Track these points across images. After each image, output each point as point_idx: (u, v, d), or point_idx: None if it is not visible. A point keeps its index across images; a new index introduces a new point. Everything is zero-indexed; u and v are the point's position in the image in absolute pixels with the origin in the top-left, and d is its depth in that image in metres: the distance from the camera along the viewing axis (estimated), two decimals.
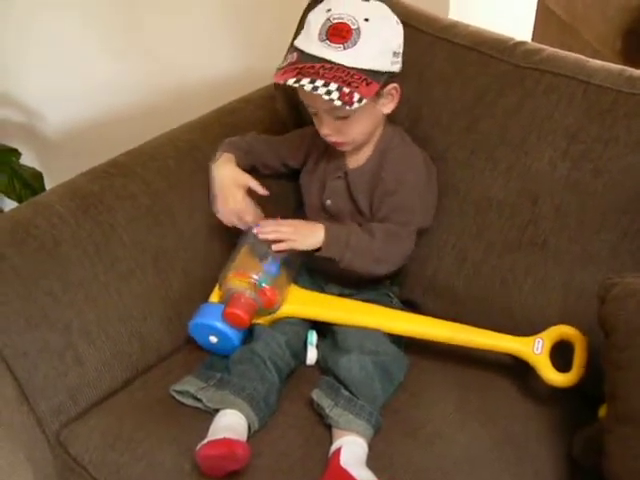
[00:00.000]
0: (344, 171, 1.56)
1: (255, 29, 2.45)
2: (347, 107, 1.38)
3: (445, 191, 1.59)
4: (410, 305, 1.63)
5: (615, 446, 1.15)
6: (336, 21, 1.40)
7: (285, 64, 1.43)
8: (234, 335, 1.47)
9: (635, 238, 1.43)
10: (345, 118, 1.44)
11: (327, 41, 1.39)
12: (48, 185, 2.16)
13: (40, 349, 1.43)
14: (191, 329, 1.51)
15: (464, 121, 1.59)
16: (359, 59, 1.39)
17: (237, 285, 1.47)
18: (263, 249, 1.49)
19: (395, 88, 1.48)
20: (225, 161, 1.59)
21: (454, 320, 1.49)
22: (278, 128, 1.70)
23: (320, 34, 1.40)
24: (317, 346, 1.52)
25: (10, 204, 2.18)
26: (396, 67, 1.46)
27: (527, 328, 1.46)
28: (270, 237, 1.48)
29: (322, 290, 1.58)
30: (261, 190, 1.58)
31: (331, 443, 1.35)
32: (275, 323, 1.51)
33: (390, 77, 1.45)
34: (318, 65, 1.40)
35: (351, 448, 1.32)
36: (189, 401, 1.42)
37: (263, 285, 1.46)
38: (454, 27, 1.67)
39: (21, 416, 1.43)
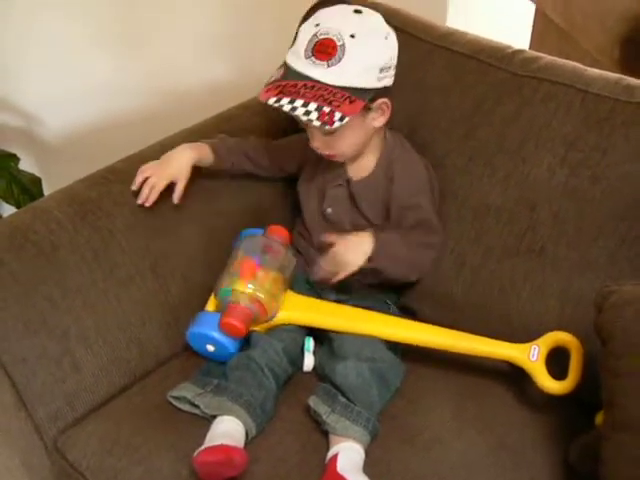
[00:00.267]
0: (345, 179, 1.57)
1: (254, 35, 2.45)
2: (327, 127, 1.39)
3: (444, 197, 1.60)
4: (407, 312, 1.63)
5: (612, 453, 1.15)
6: (322, 37, 1.40)
7: (271, 80, 1.44)
8: (231, 344, 1.47)
9: (633, 245, 1.43)
10: (332, 133, 1.44)
11: (312, 57, 1.40)
12: (46, 190, 2.16)
13: (38, 355, 1.43)
14: (188, 338, 1.51)
15: (462, 128, 1.60)
16: (343, 77, 1.39)
17: (232, 294, 1.47)
18: (257, 256, 1.50)
19: (385, 103, 1.48)
20: (193, 148, 1.60)
21: (451, 327, 1.49)
22: (276, 135, 1.70)
23: (306, 50, 1.40)
24: (314, 353, 1.52)
25: (9, 209, 2.18)
26: (384, 82, 1.45)
27: (525, 335, 1.46)
28: (337, 279, 1.48)
29: (319, 297, 1.58)
30: (176, 197, 1.56)
31: (328, 449, 1.35)
32: (272, 330, 1.51)
33: (379, 92, 1.45)
34: (301, 83, 1.40)
35: (348, 454, 1.33)
36: (186, 407, 1.42)
37: (258, 294, 1.46)
38: (452, 35, 1.68)
39: (19, 422, 1.43)
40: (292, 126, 1.59)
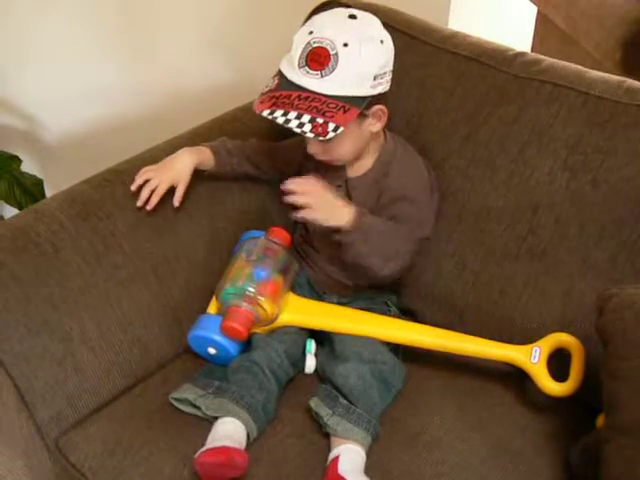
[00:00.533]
0: (344, 180, 1.57)
1: (255, 38, 2.45)
2: (320, 138, 1.39)
3: (444, 199, 1.60)
4: (408, 314, 1.63)
5: (612, 456, 1.15)
6: (316, 45, 1.39)
7: (266, 90, 1.43)
8: (232, 347, 1.48)
9: (634, 248, 1.43)
10: (329, 141, 1.43)
11: (306, 67, 1.39)
12: (48, 192, 2.16)
13: (40, 356, 1.43)
14: (190, 341, 1.52)
15: (464, 130, 1.60)
16: (336, 87, 1.39)
17: (234, 297, 1.47)
18: (258, 260, 1.50)
19: (381, 110, 1.47)
20: (194, 152, 1.60)
21: (452, 329, 1.49)
22: (277, 136, 1.70)
23: (300, 59, 1.40)
24: (315, 354, 1.53)
25: (10, 211, 2.18)
26: (379, 89, 1.44)
27: (526, 338, 1.46)
28: (299, 201, 1.44)
29: (320, 299, 1.59)
30: (176, 200, 1.57)
31: (329, 451, 1.36)
32: (273, 332, 1.51)
33: (374, 99, 1.44)
34: (294, 94, 1.40)
35: (349, 456, 1.33)
36: (188, 409, 1.42)
37: (259, 297, 1.46)
38: (454, 37, 1.68)
39: (20, 423, 1.43)
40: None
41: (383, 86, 1.45)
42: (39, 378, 1.42)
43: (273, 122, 1.41)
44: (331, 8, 1.56)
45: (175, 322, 1.59)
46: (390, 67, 1.46)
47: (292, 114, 1.39)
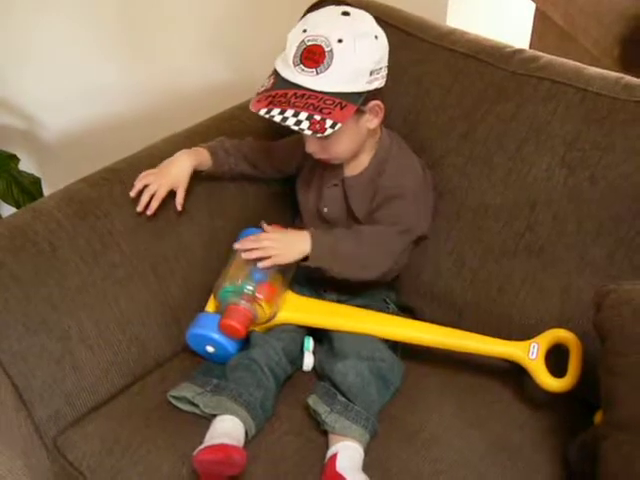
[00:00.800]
0: (341, 178, 1.57)
1: (253, 37, 2.45)
2: (318, 135, 1.39)
3: (442, 197, 1.60)
4: (407, 311, 1.63)
5: (610, 452, 1.15)
6: (310, 43, 1.39)
7: (262, 90, 1.43)
8: (231, 345, 1.48)
9: (632, 245, 1.43)
10: (326, 138, 1.43)
11: (301, 65, 1.39)
12: (46, 191, 2.16)
13: (38, 355, 1.43)
14: (188, 339, 1.52)
15: (462, 128, 1.60)
16: (332, 83, 1.39)
17: (232, 295, 1.47)
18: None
19: (378, 105, 1.47)
20: (192, 154, 1.60)
21: (451, 326, 1.49)
22: (274, 135, 1.70)
23: (295, 57, 1.40)
24: (314, 352, 1.53)
25: (8, 210, 2.18)
26: (375, 84, 1.44)
27: (524, 334, 1.46)
28: (253, 256, 1.48)
29: (319, 297, 1.59)
30: (178, 204, 1.57)
31: (327, 448, 1.36)
32: (272, 329, 1.51)
33: (371, 94, 1.44)
34: (291, 92, 1.40)
35: (347, 453, 1.33)
36: (186, 407, 1.42)
37: (257, 295, 1.46)
38: (452, 34, 1.68)
39: (19, 422, 1.43)
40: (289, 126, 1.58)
41: (379, 81, 1.45)
42: (37, 377, 1.43)
43: (270, 120, 1.41)
44: (325, 6, 1.56)
45: (173, 320, 1.59)
46: (385, 62, 1.46)
47: (289, 112, 1.39)
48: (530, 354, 1.42)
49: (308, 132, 1.39)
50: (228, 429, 1.35)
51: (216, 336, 1.47)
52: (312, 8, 1.68)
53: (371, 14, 1.49)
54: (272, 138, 1.70)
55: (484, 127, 1.58)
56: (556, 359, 1.42)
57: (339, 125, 1.38)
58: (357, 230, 1.52)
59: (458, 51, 1.64)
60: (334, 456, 1.32)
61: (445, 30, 1.70)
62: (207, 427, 1.36)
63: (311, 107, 1.38)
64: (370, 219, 1.54)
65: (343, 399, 1.39)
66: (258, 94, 1.44)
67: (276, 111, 1.40)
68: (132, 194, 1.55)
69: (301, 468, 1.35)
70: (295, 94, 1.39)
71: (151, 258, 1.58)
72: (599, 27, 2.45)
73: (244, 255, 1.48)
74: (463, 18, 2.84)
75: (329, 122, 1.38)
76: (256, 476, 1.33)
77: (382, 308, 1.57)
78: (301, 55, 1.39)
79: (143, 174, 1.56)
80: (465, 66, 1.62)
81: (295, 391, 1.47)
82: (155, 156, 1.63)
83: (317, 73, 1.38)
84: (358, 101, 1.41)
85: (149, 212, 1.54)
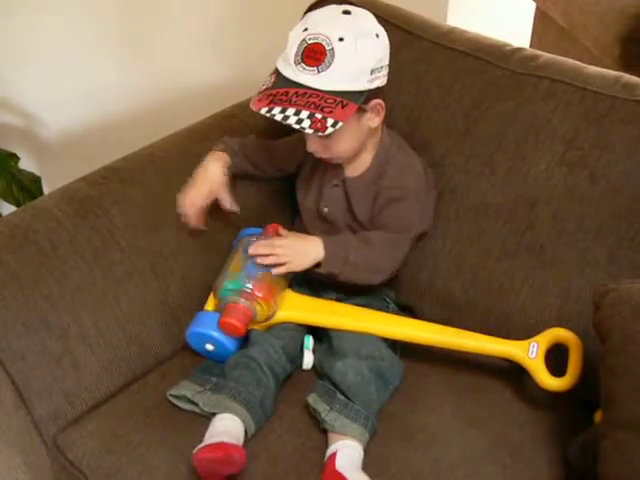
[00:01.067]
0: (341, 179, 1.56)
1: (254, 35, 2.45)
2: (319, 134, 1.39)
3: (442, 196, 1.60)
4: (407, 310, 1.63)
5: (610, 451, 1.15)
6: (311, 42, 1.39)
7: (262, 89, 1.43)
8: (230, 343, 1.48)
9: (632, 243, 1.43)
10: (328, 137, 1.43)
11: (302, 64, 1.39)
12: (46, 189, 2.16)
13: (38, 353, 1.43)
14: (188, 337, 1.52)
15: (462, 126, 1.60)
16: (333, 82, 1.38)
17: (232, 294, 1.47)
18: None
19: (379, 104, 1.47)
20: (217, 159, 1.60)
21: (450, 325, 1.49)
22: (275, 133, 1.70)
23: (296, 56, 1.39)
24: (313, 350, 1.53)
25: (8, 208, 2.18)
26: (376, 83, 1.44)
27: (524, 333, 1.46)
28: (267, 262, 1.48)
29: (318, 295, 1.59)
30: (228, 206, 1.59)
31: (327, 447, 1.36)
32: (271, 328, 1.51)
33: (372, 93, 1.44)
34: (292, 91, 1.40)
35: (347, 452, 1.33)
36: (186, 405, 1.42)
37: (257, 293, 1.46)
38: (452, 33, 1.68)
39: (18, 420, 1.43)
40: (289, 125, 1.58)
41: (380, 80, 1.45)
42: (37, 375, 1.43)
43: (271, 119, 1.40)
44: (326, 5, 1.56)
45: (173, 319, 1.59)
46: (386, 61, 1.46)
47: (290, 110, 1.39)
48: (530, 353, 1.42)
49: (309, 131, 1.38)
50: (228, 428, 1.35)
51: (216, 334, 1.47)
52: (313, 7, 1.67)
53: (372, 13, 1.48)
54: (273, 136, 1.70)
55: (484, 126, 1.58)
56: (556, 358, 1.42)
57: (340, 124, 1.38)
58: (368, 236, 1.52)
59: (458, 50, 1.64)
60: (333, 455, 1.32)
61: (445, 29, 1.70)
62: (207, 426, 1.36)
63: (312, 106, 1.38)
64: (374, 221, 1.54)
65: (343, 398, 1.39)
66: (259, 93, 1.43)
67: (277, 110, 1.39)
68: (187, 221, 1.57)
69: (300, 467, 1.34)
70: (296, 93, 1.39)
71: (151, 257, 1.57)
72: (599, 26, 2.45)
73: (259, 260, 1.48)
74: (463, 17, 2.84)
75: (330, 121, 1.38)
76: (255, 475, 1.33)
77: (382, 307, 1.57)
78: (302, 54, 1.39)
79: (182, 196, 1.57)
80: (465, 65, 1.62)
81: (295, 390, 1.47)
82: (153, 155, 1.63)
83: (318, 72, 1.38)
84: (359, 100, 1.41)
85: (204, 228, 1.58)
